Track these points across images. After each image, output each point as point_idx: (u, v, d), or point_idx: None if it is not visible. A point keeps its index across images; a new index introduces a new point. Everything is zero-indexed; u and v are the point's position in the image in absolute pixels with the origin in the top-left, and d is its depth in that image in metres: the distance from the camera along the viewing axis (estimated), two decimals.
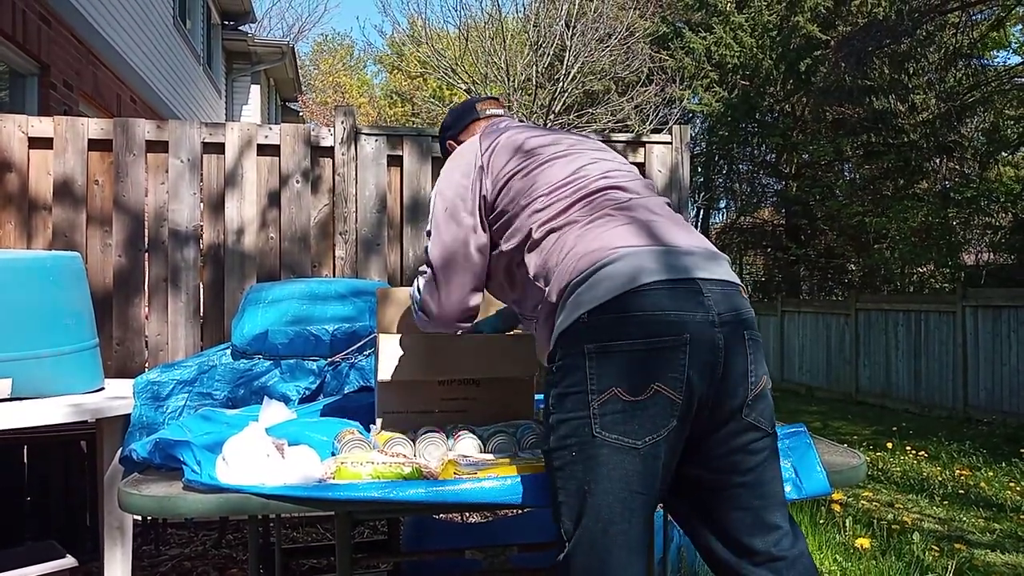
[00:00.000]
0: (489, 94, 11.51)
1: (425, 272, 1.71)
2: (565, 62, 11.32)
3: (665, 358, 1.33)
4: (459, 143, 1.92)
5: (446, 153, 1.98)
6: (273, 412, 2.04)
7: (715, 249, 1.52)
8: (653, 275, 1.37)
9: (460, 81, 11.90)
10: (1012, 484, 5.55)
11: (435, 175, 3.85)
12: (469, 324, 1.75)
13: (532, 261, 1.55)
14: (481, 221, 1.65)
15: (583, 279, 1.41)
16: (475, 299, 1.70)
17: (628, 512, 1.35)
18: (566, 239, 1.50)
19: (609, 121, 12.09)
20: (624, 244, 1.43)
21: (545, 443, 1.45)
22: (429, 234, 1.70)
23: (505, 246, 1.62)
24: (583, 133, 1.89)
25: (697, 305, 1.36)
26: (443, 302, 1.69)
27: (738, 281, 1.48)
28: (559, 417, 1.40)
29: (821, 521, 3.94)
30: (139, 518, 3.16)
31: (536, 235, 1.55)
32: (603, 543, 1.34)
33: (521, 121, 1.87)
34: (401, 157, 3.83)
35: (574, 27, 11.26)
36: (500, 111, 1.94)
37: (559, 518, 1.40)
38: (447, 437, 1.82)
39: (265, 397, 2.22)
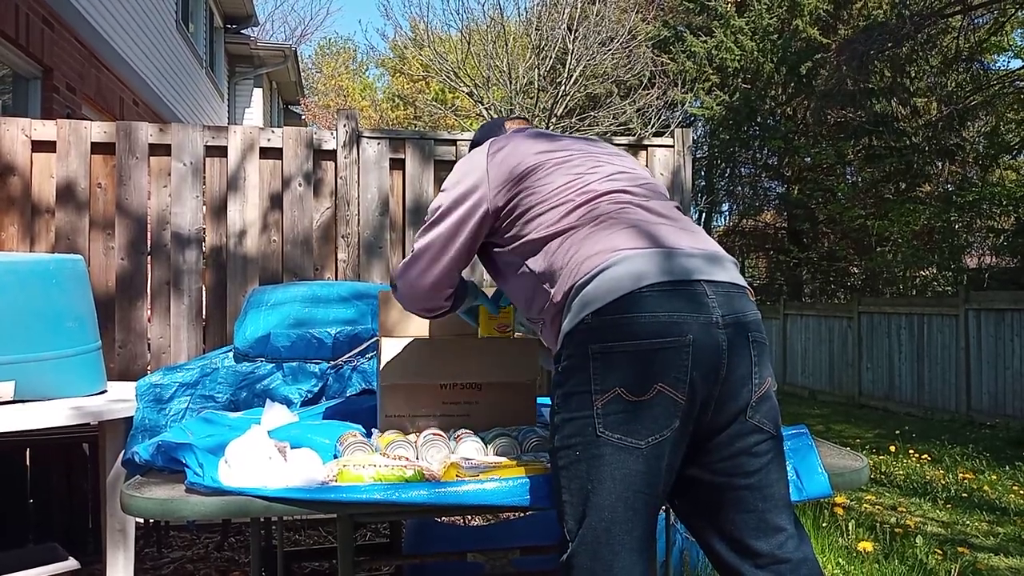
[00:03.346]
0: (492, 98, 11.56)
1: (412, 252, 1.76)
2: (567, 65, 11.33)
3: (668, 359, 1.33)
4: None
5: None
6: (275, 415, 2.04)
7: (721, 251, 1.52)
8: (655, 277, 1.38)
9: (462, 84, 11.92)
10: (1016, 488, 5.54)
11: (437, 178, 3.86)
12: (428, 314, 1.81)
13: (537, 265, 1.56)
14: (473, 226, 1.64)
15: (586, 281, 1.42)
16: (440, 292, 1.74)
17: (631, 512, 1.35)
18: (570, 243, 1.51)
19: (611, 124, 12.09)
20: (627, 247, 1.44)
21: (551, 442, 1.46)
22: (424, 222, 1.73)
23: (511, 251, 1.62)
24: (591, 137, 1.90)
25: (700, 307, 1.37)
26: (411, 280, 1.73)
27: (744, 283, 1.48)
28: (564, 416, 1.41)
29: (824, 524, 3.93)
30: (141, 520, 3.16)
31: (540, 241, 1.55)
32: (606, 543, 1.35)
33: (537, 129, 1.87)
34: (403, 160, 3.84)
35: (576, 31, 11.28)
36: (528, 127, 1.94)
37: (563, 517, 1.40)
38: (449, 440, 1.82)
39: (267, 400, 2.22)
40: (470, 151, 1.98)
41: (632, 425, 1.34)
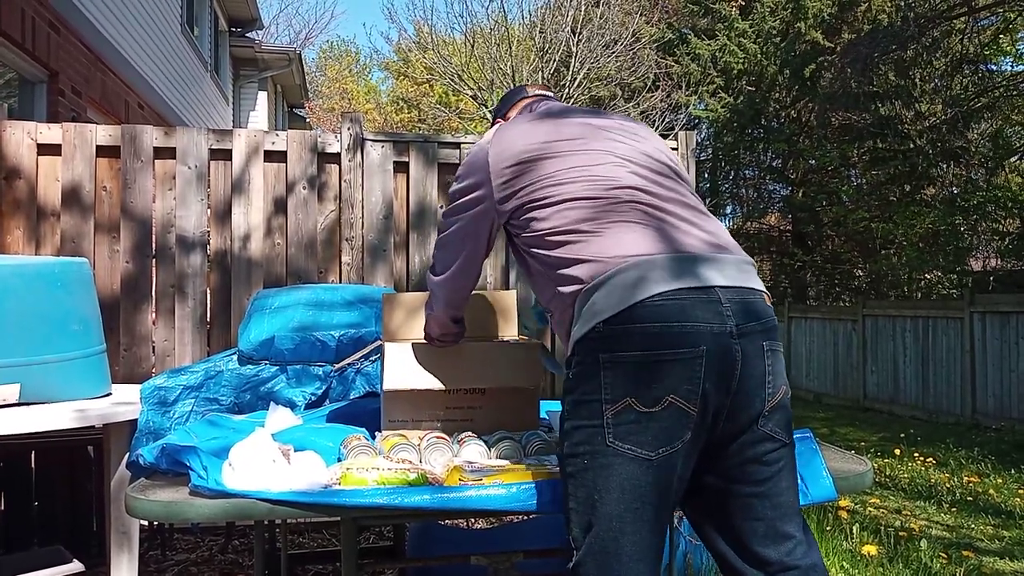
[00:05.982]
0: (496, 100, 11.56)
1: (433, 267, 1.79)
2: (571, 68, 11.34)
3: (680, 369, 1.31)
4: (507, 120, 1.86)
5: None
6: (279, 418, 2.04)
7: (738, 250, 1.47)
8: (668, 284, 1.34)
9: (466, 87, 11.94)
10: (1021, 491, 5.52)
11: (441, 181, 3.86)
12: (455, 324, 1.84)
13: (546, 258, 1.51)
14: (481, 226, 1.63)
15: (595, 287, 1.38)
16: (460, 292, 1.77)
17: (639, 522, 1.33)
18: (577, 242, 1.46)
19: None
20: (639, 252, 1.39)
21: (560, 448, 1.44)
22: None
23: (521, 239, 1.58)
24: (601, 111, 1.85)
25: (714, 315, 1.33)
26: (432, 283, 1.78)
27: (761, 287, 1.44)
28: (573, 424, 1.39)
29: (828, 528, 3.92)
30: (146, 523, 3.16)
31: (547, 234, 1.50)
32: (614, 553, 1.33)
33: (547, 104, 1.81)
34: (407, 163, 3.84)
35: (580, 33, 11.29)
36: (549, 94, 1.89)
37: (569, 525, 1.39)
38: (452, 443, 1.82)
39: (271, 403, 2.22)
40: (493, 118, 1.95)
41: (643, 436, 1.32)
